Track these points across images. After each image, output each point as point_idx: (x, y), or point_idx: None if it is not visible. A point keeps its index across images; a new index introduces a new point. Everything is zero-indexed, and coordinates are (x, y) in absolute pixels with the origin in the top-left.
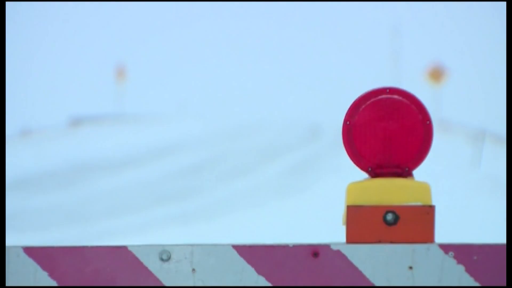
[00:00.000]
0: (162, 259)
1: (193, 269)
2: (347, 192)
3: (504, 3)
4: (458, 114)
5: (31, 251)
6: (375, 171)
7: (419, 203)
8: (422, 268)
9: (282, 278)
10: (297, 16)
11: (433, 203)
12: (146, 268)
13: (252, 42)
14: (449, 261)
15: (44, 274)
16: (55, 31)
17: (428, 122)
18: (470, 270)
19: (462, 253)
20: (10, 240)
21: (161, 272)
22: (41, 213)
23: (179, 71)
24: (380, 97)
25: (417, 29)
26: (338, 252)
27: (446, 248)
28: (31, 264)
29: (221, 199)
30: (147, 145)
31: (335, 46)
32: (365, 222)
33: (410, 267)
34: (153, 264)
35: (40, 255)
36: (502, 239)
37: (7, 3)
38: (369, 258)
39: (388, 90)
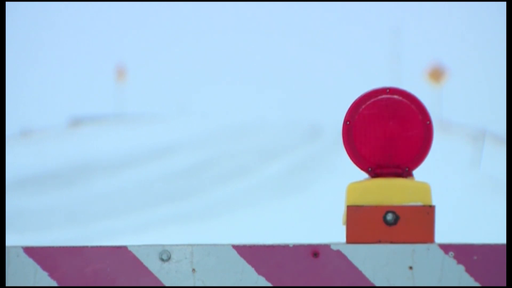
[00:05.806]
0: (162, 259)
1: (193, 269)
2: (347, 192)
3: (504, 3)
4: (458, 114)
5: (31, 251)
6: (375, 171)
7: (419, 203)
8: (422, 268)
9: (282, 278)
10: (298, 16)
11: (433, 203)
12: (146, 268)
13: (252, 42)
14: (449, 261)
15: (44, 274)
16: (55, 31)
17: (428, 122)
18: (470, 270)
19: (462, 253)
20: (10, 240)
21: (161, 272)
22: (41, 213)
23: (179, 71)
24: (380, 97)
25: (417, 29)
26: (338, 252)
27: (446, 248)
28: (31, 264)
29: (220, 199)
30: (147, 145)
31: (335, 46)
32: (365, 222)
33: (410, 267)
34: (153, 264)
35: (40, 255)
36: (502, 239)
37: (7, 3)
38: (369, 258)
39: (388, 90)
